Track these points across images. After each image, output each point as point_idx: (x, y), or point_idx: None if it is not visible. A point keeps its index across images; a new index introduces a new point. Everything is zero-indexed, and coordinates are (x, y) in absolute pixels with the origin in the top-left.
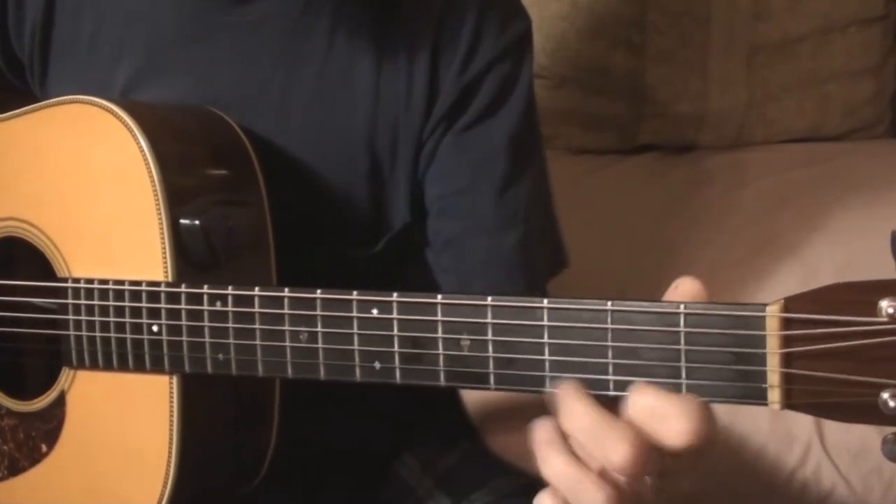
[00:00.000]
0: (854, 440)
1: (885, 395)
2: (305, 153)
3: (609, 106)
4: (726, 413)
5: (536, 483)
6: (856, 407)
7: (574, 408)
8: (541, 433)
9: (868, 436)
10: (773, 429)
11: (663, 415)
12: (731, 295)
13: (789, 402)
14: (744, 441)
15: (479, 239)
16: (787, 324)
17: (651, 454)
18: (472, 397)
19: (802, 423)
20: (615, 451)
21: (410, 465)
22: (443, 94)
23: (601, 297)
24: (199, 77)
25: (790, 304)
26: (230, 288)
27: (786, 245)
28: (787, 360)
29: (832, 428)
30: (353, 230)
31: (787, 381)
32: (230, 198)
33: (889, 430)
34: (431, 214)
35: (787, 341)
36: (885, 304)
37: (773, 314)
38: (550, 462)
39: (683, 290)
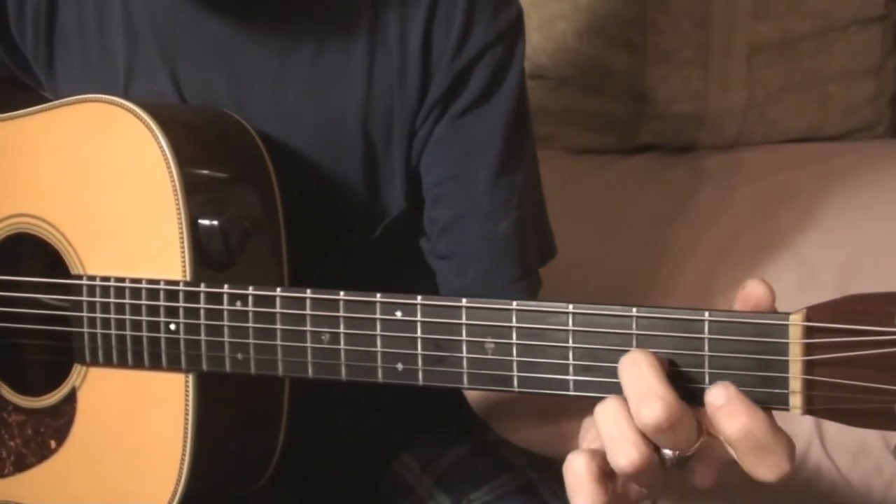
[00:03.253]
0: (854, 440)
1: None
2: (301, 140)
3: (609, 106)
4: None
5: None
6: (872, 413)
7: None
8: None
9: (868, 436)
10: None
11: (768, 450)
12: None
13: (809, 408)
14: None
15: (475, 224)
16: (809, 332)
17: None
18: (474, 394)
19: (802, 423)
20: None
21: (410, 465)
22: (436, 80)
23: (600, 296)
24: (194, 64)
25: (812, 313)
26: (251, 288)
27: (785, 245)
28: (808, 367)
29: (832, 428)
30: (350, 216)
31: (809, 387)
32: (246, 197)
33: None
34: (428, 202)
35: (808, 349)
36: None
37: (796, 323)
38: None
39: (748, 294)
